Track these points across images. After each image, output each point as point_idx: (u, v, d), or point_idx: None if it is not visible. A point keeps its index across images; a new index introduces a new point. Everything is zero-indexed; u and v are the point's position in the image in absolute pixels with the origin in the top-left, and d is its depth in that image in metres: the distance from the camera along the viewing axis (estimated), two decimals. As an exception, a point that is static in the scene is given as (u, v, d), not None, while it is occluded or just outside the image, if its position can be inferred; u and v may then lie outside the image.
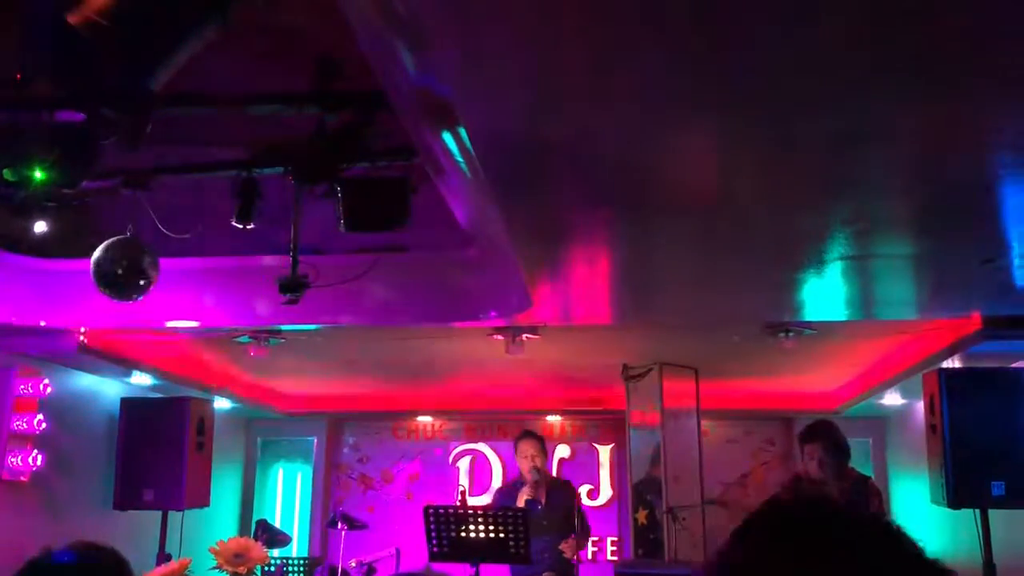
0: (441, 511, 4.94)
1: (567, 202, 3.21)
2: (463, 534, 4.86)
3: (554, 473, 8.48)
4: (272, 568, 7.19)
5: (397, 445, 8.80)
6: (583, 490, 8.37)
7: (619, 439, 7.97)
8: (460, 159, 2.79)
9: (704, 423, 7.24)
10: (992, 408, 4.59)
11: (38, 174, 2.42)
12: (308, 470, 8.88)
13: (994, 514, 4.64)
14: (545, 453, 5.89)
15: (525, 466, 5.76)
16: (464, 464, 8.67)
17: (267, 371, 6.89)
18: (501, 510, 5.06)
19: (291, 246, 3.04)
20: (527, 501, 5.59)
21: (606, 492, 8.46)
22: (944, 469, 4.59)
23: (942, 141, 2.65)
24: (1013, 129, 2.59)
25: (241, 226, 3.09)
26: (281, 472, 8.97)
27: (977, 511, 4.61)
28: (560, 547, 5.40)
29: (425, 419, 8.75)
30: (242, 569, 4.09)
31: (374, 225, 2.91)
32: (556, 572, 5.49)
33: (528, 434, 5.96)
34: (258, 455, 8.82)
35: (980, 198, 3.13)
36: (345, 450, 8.84)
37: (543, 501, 5.66)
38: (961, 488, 4.53)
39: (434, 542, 4.93)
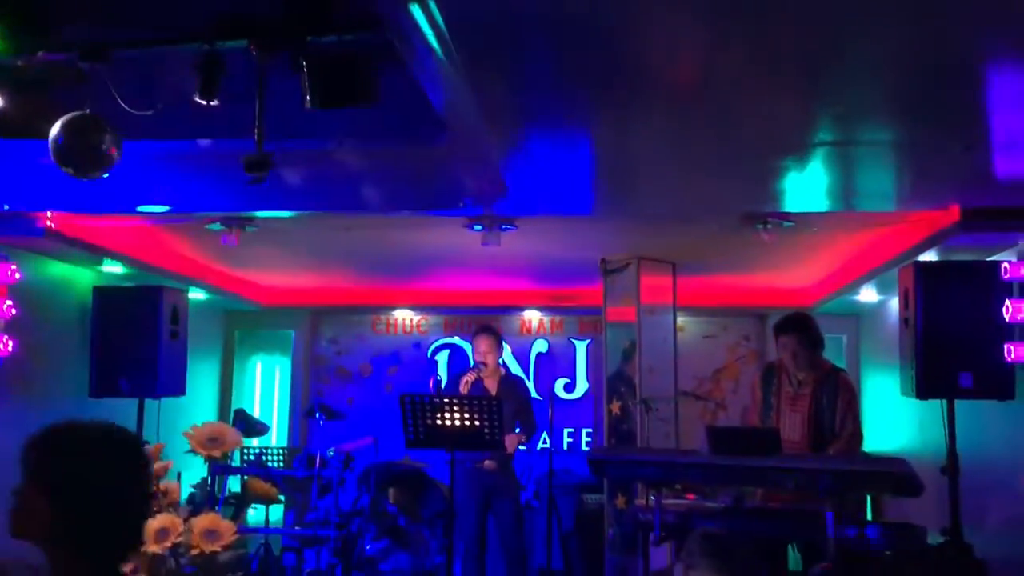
0: (417, 399, 4.97)
1: (542, 81, 3.12)
2: (438, 422, 4.91)
3: (531, 368, 8.61)
4: (251, 456, 7.30)
5: (376, 339, 8.85)
6: (560, 383, 8.50)
7: (596, 334, 8.02)
8: (430, 32, 2.68)
9: (681, 319, 7.29)
10: (966, 301, 4.60)
11: (-14, 41, 2.30)
12: (287, 363, 8.92)
13: (960, 405, 4.72)
14: (500, 349, 6.02)
15: (477, 359, 5.88)
16: (442, 358, 8.74)
17: (243, 261, 6.83)
18: (476, 398, 5.11)
19: (256, 124, 2.94)
20: (470, 387, 5.69)
21: (582, 385, 8.58)
22: (914, 361, 4.63)
23: (928, 20, 2.58)
24: (1000, 8, 2.52)
25: (205, 103, 2.98)
26: (259, 365, 9.01)
27: (944, 402, 4.68)
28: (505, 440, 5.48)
29: (404, 313, 8.78)
30: (216, 452, 4.12)
31: (342, 101, 2.81)
32: (495, 460, 5.68)
33: (483, 329, 6.05)
34: (236, 347, 8.84)
35: (963, 82, 3.07)
36: (324, 343, 8.88)
37: (492, 393, 5.75)
38: (930, 379, 4.59)
39: (410, 430, 4.98)
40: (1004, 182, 4.10)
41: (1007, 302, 4.56)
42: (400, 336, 8.84)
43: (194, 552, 3.46)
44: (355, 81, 2.79)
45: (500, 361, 6.18)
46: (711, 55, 2.89)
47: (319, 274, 7.67)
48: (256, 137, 2.95)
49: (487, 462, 5.77)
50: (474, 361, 6.04)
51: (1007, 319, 4.55)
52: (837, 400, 4.93)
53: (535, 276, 7.65)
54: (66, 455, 1.72)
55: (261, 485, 5.19)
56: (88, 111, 3.05)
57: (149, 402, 5.74)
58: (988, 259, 4.90)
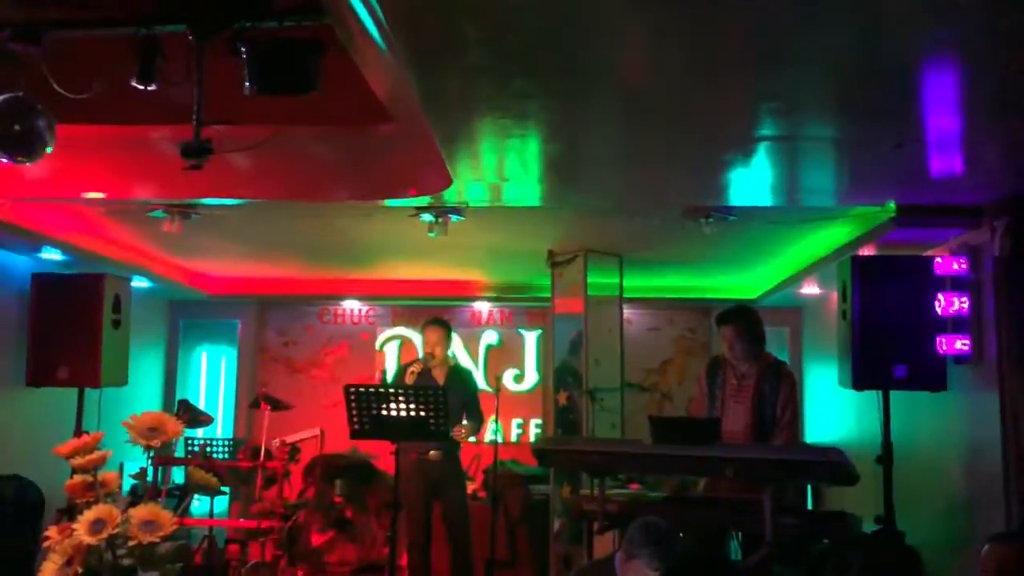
0: (362, 389, 4.96)
1: (485, 72, 3.11)
2: (383, 412, 4.90)
3: (481, 358, 8.62)
4: (196, 447, 7.22)
5: (324, 330, 8.81)
6: (509, 374, 8.53)
7: (546, 326, 8.07)
8: (369, 22, 2.67)
9: (627, 311, 7.35)
10: (901, 294, 4.72)
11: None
12: (232, 353, 8.83)
13: (896, 396, 4.84)
14: (449, 341, 6.03)
15: (426, 351, 5.88)
16: (391, 349, 8.71)
17: (187, 250, 6.75)
18: (421, 388, 5.11)
19: (195, 109, 2.91)
20: (417, 377, 5.69)
21: (532, 377, 8.61)
22: (851, 353, 4.74)
23: (865, 20, 2.63)
24: (933, 11, 2.58)
25: (142, 87, 2.95)
26: (205, 355, 8.91)
27: (880, 393, 4.79)
28: (452, 431, 5.51)
29: (352, 304, 8.74)
30: (156, 442, 4.04)
31: (282, 88, 2.79)
32: (442, 451, 5.70)
33: (433, 321, 6.05)
34: (181, 337, 8.73)
35: (898, 81, 3.13)
36: (271, 334, 8.81)
37: (440, 383, 5.76)
38: (865, 371, 4.69)
39: (355, 420, 4.97)
40: (937, 180, 4.20)
41: (939, 296, 4.68)
42: (348, 327, 8.80)
43: (132, 543, 3.38)
44: (295, 68, 2.77)
45: (450, 352, 6.19)
46: (654, 49, 2.92)
47: (266, 263, 7.60)
48: (195, 123, 2.92)
49: (432, 452, 5.78)
50: (423, 352, 6.04)
51: (939, 312, 4.68)
52: (779, 391, 5.02)
53: (485, 267, 7.66)
54: None
55: (201, 475, 5.14)
56: (21, 94, 2.99)
57: (90, 392, 5.65)
58: (924, 254, 5.01)
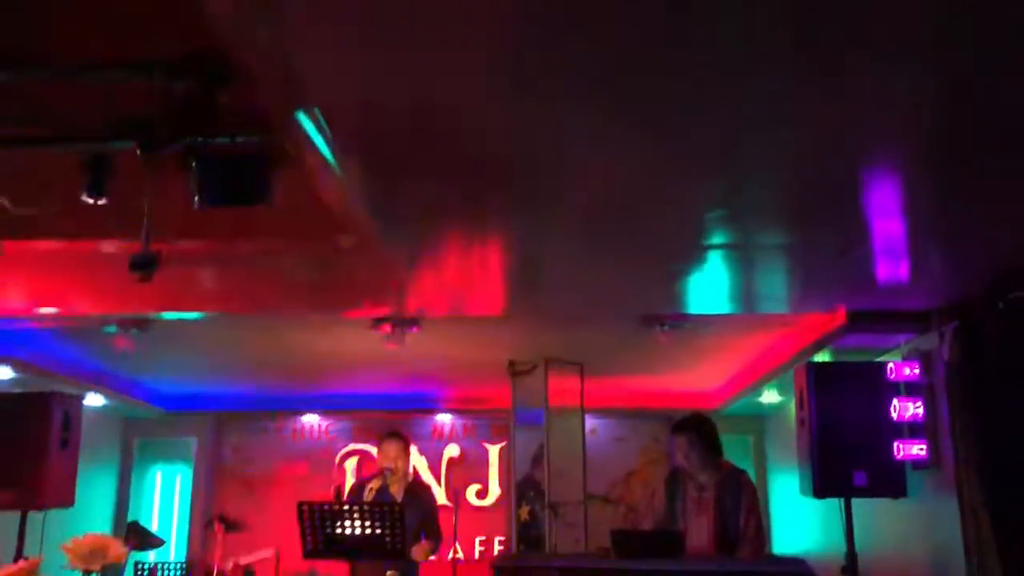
0: (315, 507, 4.81)
1: (438, 189, 3.16)
2: (338, 530, 4.75)
3: (443, 474, 8.47)
4: (145, 572, 6.94)
5: (282, 446, 8.63)
6: (472, 490, 8.36)
7: (509, 438, 7.97)
8: (319, 140, 2.71)
9: (592, 421, 7.30)
10: (857, 401, 4.73)
11: None
12: (188, 471, 8.60)
13: (859, 504, 4.79)
14: (407, 455, 5.85)
15: (383, 464, 5.70)
16: (351, 465, 8.54)
17: (142, 366, 6.64)
18: (376, 505, 4.97)
19: (144, 223, 2.90)
20: (375, 494, 5.52)
21: (495, 491, 8.46)
22: (811, 460, 4.71)
23: (809, 136, 2.73)
24: (882, 128, 2.68)
25: (92, 201, 2.94)
26: (159, 474, 8.67)
27: (841, 500, 4.75)
28: (411, 550, 5.33)
29: (311, 419, 8.59)
30: (96, 566, 3.89)
31: (231, 200, 2.80)
32: (399, 570, 5.47)
33: (390, 434, 5.91)
34: (135, 456, 8.50)
35: (842, 192, 3.23)
36: (228, 451, 8.60)
37: (397, 500, 5.59)
38: (826, 478, 4.66)
39: (308, 539, 4.81)
40: (885, 286, 4.28)
41: (895, 401, 4.71)
42: (307, 442, 8.63)
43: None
44: (246, 181, 2.78)
45: (410, 467, 6.04)
46: (606, 165, 2.98)
47: (222, 378, 7.49)
48: (144, 235, 2.91)
49: (389, 573, 5.57)
50: (380, 466, 5.89)
51: (895, 418, 4.69)
52: (740, 501, 4.94)
53: (445, 378, 7.61)
54: None
55: (145, 601, 4.95)
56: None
57: (34, 514, 5.44)
58: (877, 359, 5.06)
